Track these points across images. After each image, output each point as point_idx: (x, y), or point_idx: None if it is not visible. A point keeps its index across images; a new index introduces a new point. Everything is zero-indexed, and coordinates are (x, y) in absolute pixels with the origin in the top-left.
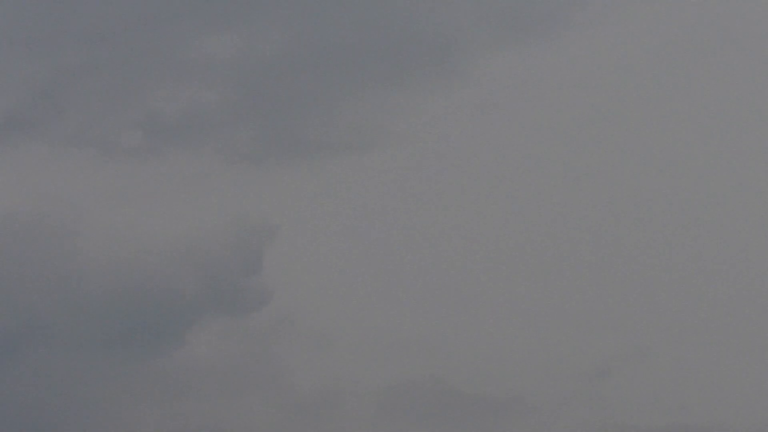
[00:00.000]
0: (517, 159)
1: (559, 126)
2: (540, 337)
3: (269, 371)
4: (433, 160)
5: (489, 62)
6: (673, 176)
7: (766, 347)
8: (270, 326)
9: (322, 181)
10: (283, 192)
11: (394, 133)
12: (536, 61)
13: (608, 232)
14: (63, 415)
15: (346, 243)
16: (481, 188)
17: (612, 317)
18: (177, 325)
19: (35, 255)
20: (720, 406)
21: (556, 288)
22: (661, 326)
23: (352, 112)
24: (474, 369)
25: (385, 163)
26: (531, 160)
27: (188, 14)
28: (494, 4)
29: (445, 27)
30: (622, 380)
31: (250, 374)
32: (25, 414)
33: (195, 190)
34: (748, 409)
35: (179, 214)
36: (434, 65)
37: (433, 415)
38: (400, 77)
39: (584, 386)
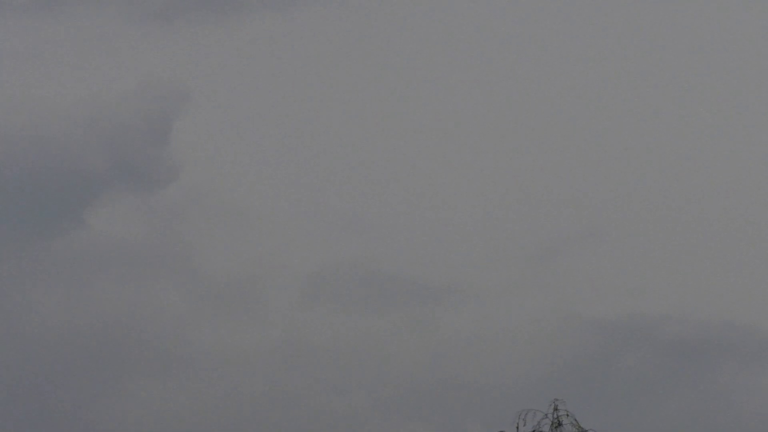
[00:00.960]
0: (465, 12)
1: None
2: (481, 217)
3: (178, 254)
4: (366, 15)
5: None
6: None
7: (719, 232)
8: (179, 203)
9: (239, 42)
10: (195, 53)
11: None
12: None
13: (555, 106)
14: None
15: (265, 110)
16: (420, 45)
17: (559, 195)
18: (77, 202)
19: None
20: (675, 292)
21: (499, 164)
22: (613, 205)
23: None
24: (409, 252)
25: (306, 22)
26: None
27: None
28: None
29: None
30: (569, 264)
31: (157, 258)
32: None
33: (97, 50)
34: (704, 296)
35: (80, 77)
36: None
37: (362, 301)
38: None
39: (528, 271)
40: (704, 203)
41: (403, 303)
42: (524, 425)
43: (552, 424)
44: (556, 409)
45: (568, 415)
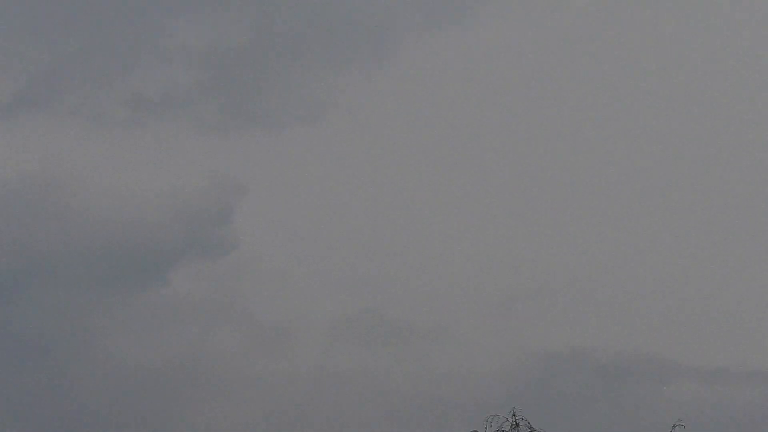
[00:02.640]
0: (443, 135)
1: (471, 97)
2: (461, 276)
3: (236, 306)
4: (373, 129)
5: (411, 46)
6: (587, 130)
7: (648, 278)
8: (238, 268)
9: (280, 147)
10: (249, 157)
11: (340, 106)
12: (453, 44)
13: (515, 187)
14: (64, 344)
15: (300, 198)
16: (411, 151)
17: (518, 257)
18: (162, 267)
19: (42, 209)
20: (599, 329)
21: (474, 238)
22: (557, 268)
23: (303, 89)
24: (406, 302)
25: (332, 132)
26: (453, 126)
27: (166, 7)
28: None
29: (378, 18)
30: (527, 310)
31: (221, 308)
32: (30, 342)
33: (174, 155)
34: (619, 332)
35: (162, 175)
36: (369, 50)
37: (372, 340)
38: (343, 60)
39: (494, 316)
40: (623, 264)
41: (404, 340)
42: (491, 426)
43: (511, 425)
44: (514, 415)
45: (523, 419)
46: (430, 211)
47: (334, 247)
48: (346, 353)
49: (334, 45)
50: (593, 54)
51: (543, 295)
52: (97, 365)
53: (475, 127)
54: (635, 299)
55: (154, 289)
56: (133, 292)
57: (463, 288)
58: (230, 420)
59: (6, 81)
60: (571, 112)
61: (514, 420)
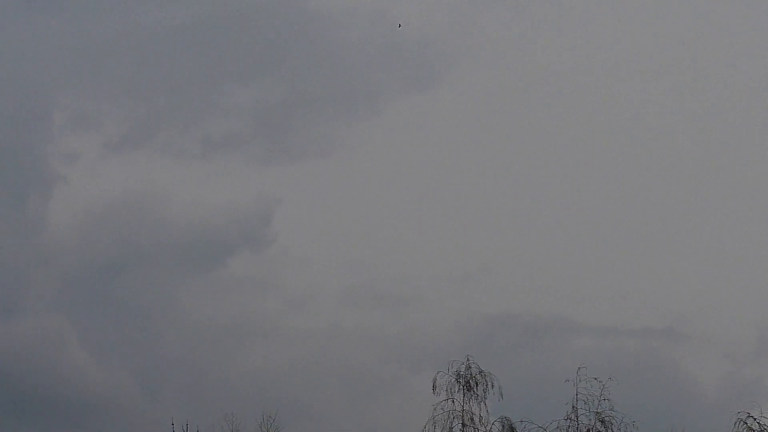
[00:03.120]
0: (418, 163)
1: (442, 138)
2: (427, 260)
3: (273, 281)
4: (369, 161)
5: (397, 102)
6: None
7: (557, 262)
8: (275, 256)
9: (304, 173)
10: (283, 180)
11: (346, 145)
12: (427, 102)
13: (468, 202)
14: (157, 309)
15: (318, 208)
16: (396, 175)
17: (469, 249)
18: (223, 255)
19: (141, 216)
20: (532, 300)
21: (437, 232)
22: (496, 253)
23: (320, 133)
24: (393, 275)
25: (340, 163)
26: (427, 163)
27: (225, 73)
28: (399, 65)
29: (374, 82)
30: (476, 284)
31: (263, 283)
32: (134, 308)
33: (232, 179)
34: (545, 299)
35: (224, 192)
36: (367, 104)
37: (367, 306)
38: (346, 111)
39: (454, 288)
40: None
41: (390, 305)
42: (451, 368)
43: (465, 367)
44: (468, 359)
45: (474, 363)
46: (409, 217)
47: (341, 241)
48: (350, 314)
49: (341, 101)
50: (546, 108)
51: (486, 273)
52: (179, 323)
53: (440, 159)
54: (551, 277)
55: (217, 271)
56: (203, 272)
57: (431, 269)
58: (270, 361)
59: (115, 125)
60: (516, 150)
61: (467, 363)
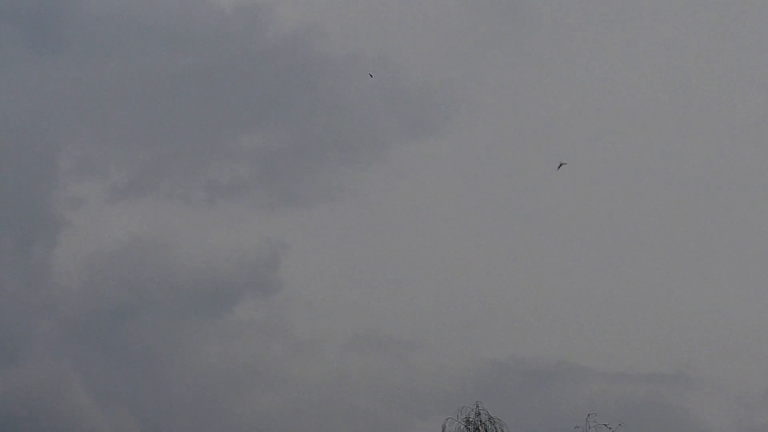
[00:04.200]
0: (423, 209)
1: (443, 182)
2: (433, 305)
3: (280, 327)
4: (373, 206)
5: (401, 149)
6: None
7: (565, 307)
8: (282, 302)
9: (310, 219)
10: (289, 225)
11: (347, 192)
12: (430, 148)
13: (471, 247)
14: (164, 354)
15: (325, 254)
16: (399, 220)
17: (474, 295)
18: (229, 300)
19: (148, 261)
20: (538, 345)
21: (442, 276)
22: (501, 298)
23: (325, 178)
24: (399, 320)
25: (341, 210)
26: (432, 209)
27: (230, 119)
28: (403, 111)
29: (377, 129)
30: (481, 329)
31: (269, 329)
32: (142, 352)
33: (239, 224)
34: (552, 345)
35: (230, 238)
36: (370, 151)
37: (373, 351)
38: (351, 157)
39: (459, 333)
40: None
41: (396, 350)
42: (461, 414)
43: (475, 414)
44: (477, 406)
45: (483, 409)
46: (415, 262)
47: (347, 286)
48: (357, 359)
49: (346, 147)
50: (548, 154)
51: (492, 318)
52: (186, 368)
53: (445, 205)
54: (558, 322)
55: (224, 316)
56: (209, 318)
57: (437, 314)
58: (276, 406)
59: (121, 171)
60: (521, 194)
61: (477, 410)
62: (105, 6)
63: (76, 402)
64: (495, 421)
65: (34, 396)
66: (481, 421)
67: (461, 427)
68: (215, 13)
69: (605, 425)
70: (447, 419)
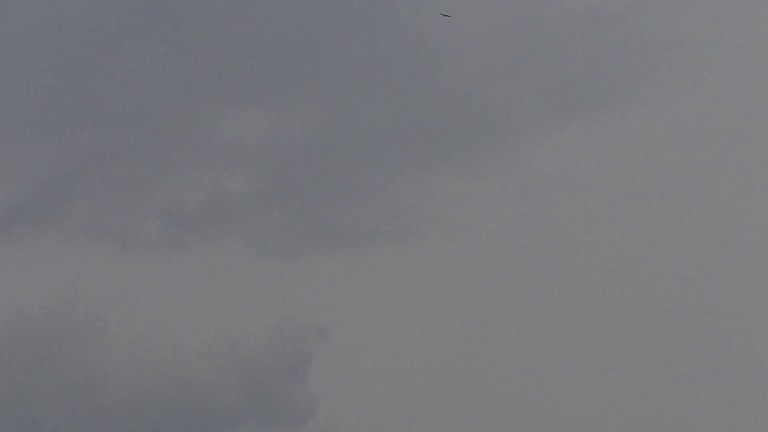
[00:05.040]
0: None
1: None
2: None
3: None
4: (485, 249)
5: (538, 142)
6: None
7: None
8: None
9: (367, 274)
10: (327, 287)
11: (440, 219)
12: (586, 139)
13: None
14: None
15: (394, 346)
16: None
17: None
18: None
19: (49, 358)
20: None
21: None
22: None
23: (391, 198)
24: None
25: (429, 253)
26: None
27: (212, 94)
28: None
29: (492, 105)
30: None
31: None
32: None
33: (225, 285)
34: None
35: (212, 312)
36: (480, 146)
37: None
38: (444, 159)
39: None
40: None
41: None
42: None
43: None
44: None
45: None
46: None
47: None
48: None
49: (429, 140)
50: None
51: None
52: None
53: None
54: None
55: None
56: None
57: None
58: None
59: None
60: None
61: None
62: None
63: None
64: None
65: None
66: None
67: None
68: None
69: None
70: None
